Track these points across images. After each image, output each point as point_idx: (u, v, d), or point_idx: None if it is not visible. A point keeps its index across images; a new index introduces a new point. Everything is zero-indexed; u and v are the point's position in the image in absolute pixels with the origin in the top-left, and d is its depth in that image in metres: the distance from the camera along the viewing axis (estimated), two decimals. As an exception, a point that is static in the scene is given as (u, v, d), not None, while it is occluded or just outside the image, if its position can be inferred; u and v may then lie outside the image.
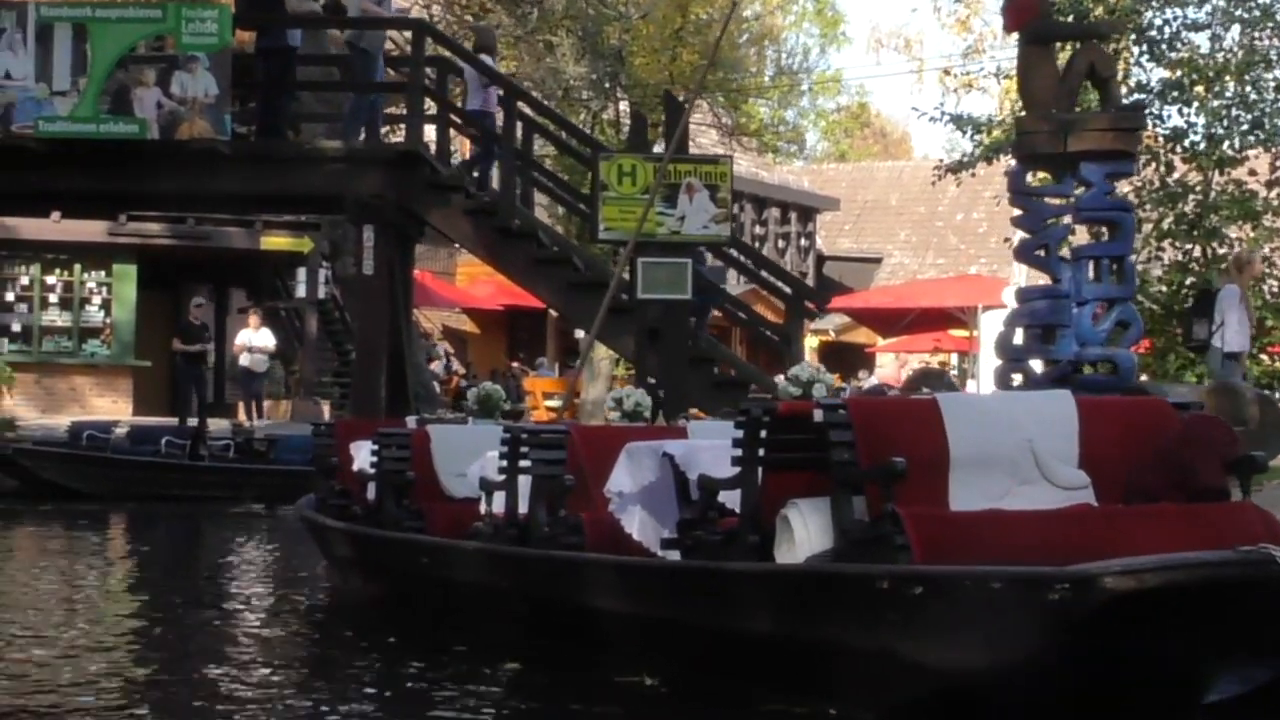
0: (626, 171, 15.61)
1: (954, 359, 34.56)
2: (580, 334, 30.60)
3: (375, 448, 10.58)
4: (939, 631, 6.20)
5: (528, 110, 19.56)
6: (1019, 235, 14.08)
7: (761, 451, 7.23)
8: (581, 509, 8.49)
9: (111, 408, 27.97)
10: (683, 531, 7.73)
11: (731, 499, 7.48)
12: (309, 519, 12.04)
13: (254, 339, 26.82)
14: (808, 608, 6.78)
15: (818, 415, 6.94)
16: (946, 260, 44.47)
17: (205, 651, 9.10)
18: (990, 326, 27.32)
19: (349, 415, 20.96)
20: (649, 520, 7.98)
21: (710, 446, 7.73)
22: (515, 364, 33.85)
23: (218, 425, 22.52)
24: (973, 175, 23.88)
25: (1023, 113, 13.34)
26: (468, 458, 9.88)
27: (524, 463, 8.86)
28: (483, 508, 9.32)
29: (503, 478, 9.06)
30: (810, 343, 34.37)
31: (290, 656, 9.08)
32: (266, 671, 8.46)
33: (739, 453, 7.25)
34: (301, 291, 30.32)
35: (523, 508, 8.88)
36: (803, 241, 42.91)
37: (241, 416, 26.51)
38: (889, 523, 6.55)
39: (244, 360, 26.77)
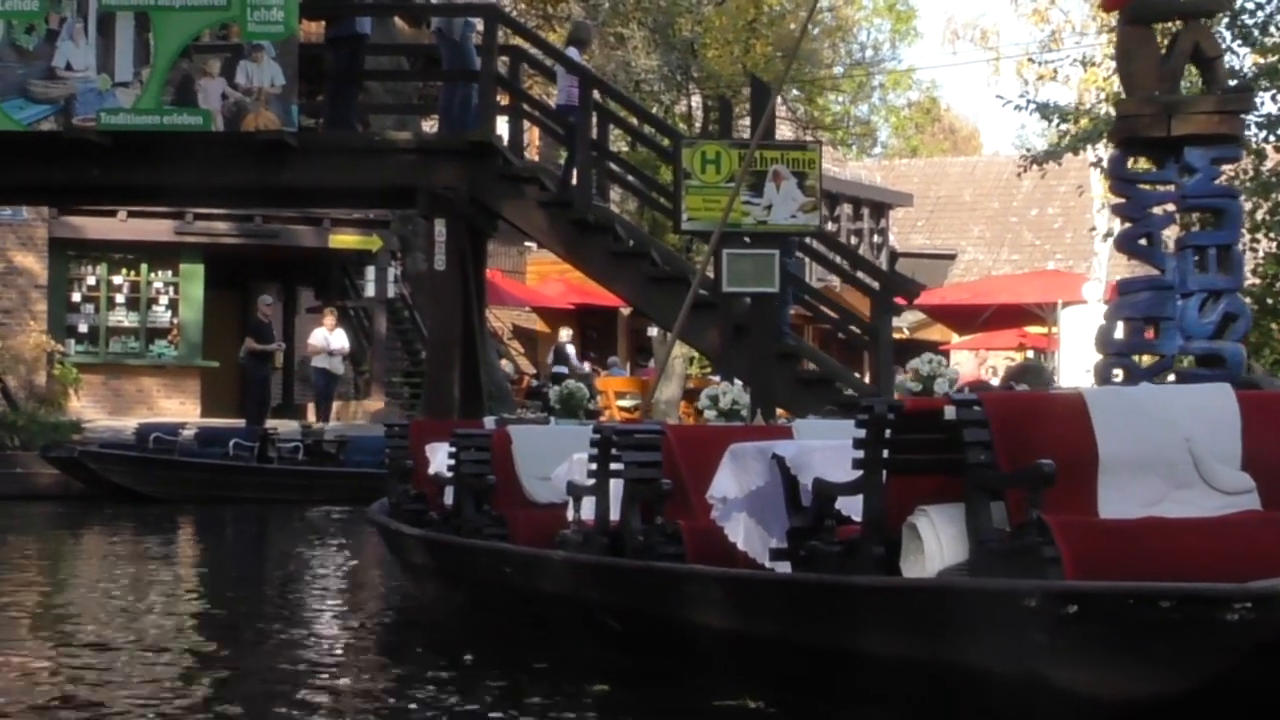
0: (710, 159, 14.91)
1: (1031, 355, 33.88)
2: (653, 331, 30.11)
3: (452, 450, 10.02)
4: (1096, 655, 5.53)
5: (608, 101, 19.04)
6: (1119, 224, 13.42)
7: (886, 453, 6.57)
8: (679, 516, 7.87)
9: (179, 409, 27.76)
10: (794, 541, 7.07)
11: (847, 505, 6.84)
12: (382, 524, 11.53)
13: (331, 340, 26.34)
14: (941, 627, 6.09)
15: (950, 413, 6.25)
16: (1021, 256, 43.91)
17: (269, 666, 8.60)
18: (1070, 323, 26.69)
19: (421, 416, 20.53)
20: (755, 529, 7.34)
21: (823, 448, 7.09)
22: (586, 363, 33.43)
23: (286, 427, 22.16)
24: (1059, 164, 23.34)
25: (1123, 96, 12.69)
26: (552, 460, 9.27)
27: (615, 465, 8.24)
28: (570, 514, 8.70)
29: (592, 482, 8.45)
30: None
31: (360, 672, 8.52)
32: (333, 689, 7.90)
33: (860, 454, 6.56)
34: (370, 290, 30.00)
35: (614, 514, 8.26)
36: (875, 238, 42.47)
37: (310, 417, 26.12)
38: (1035, 532, 5.85)
39: (321, 362, 26.28)
